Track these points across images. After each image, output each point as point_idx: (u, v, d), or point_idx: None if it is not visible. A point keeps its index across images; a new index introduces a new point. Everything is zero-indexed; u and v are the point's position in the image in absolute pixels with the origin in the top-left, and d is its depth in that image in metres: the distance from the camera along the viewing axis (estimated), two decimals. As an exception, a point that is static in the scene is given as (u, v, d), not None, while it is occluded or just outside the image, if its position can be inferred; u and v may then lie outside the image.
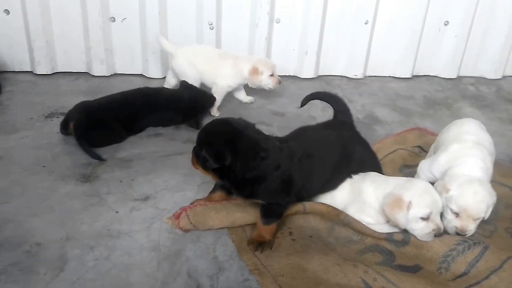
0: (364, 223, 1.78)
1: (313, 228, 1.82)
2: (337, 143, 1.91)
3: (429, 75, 3.70)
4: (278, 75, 2.89)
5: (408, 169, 2.26)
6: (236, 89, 2.97)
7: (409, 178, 1.85)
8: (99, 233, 1.73)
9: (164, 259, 1.62)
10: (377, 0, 3.35)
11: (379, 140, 2.53)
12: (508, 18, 3.53)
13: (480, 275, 1.58)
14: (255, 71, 2.79)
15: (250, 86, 2.88)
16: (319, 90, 2.40)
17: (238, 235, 1.76)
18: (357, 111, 2.97)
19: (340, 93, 3.05)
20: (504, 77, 3.76)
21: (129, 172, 2.15)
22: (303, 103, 2.21)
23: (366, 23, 3.40)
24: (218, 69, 2.83)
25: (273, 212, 1.71)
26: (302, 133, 1.94)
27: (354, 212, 1.82)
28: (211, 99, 2.78)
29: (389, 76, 3.64)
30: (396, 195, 1.68)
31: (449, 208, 1.73)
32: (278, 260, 1.62)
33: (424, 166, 1.97)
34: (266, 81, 2.82)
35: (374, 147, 2.43)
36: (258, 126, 2.60)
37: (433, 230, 1.68)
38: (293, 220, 1.85)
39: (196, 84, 2.83)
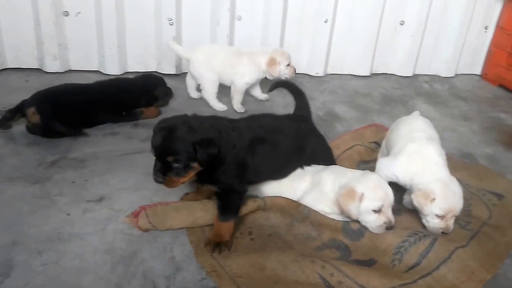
0: (321, 213, 1.83)
1: (273, 225, 1.81)
2: (291, 133, 1.95)
3: (386, 73, 3.80)
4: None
5: (365, 165, 2.30)
6: (252, 86, 2.96)
7: (365, 171, 1.89)
8: (48, 236, 1.65)
9: (118, 261, 1.56)
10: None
11: (338, 137, 2.57)
12: (459, 19, 3.67)
13: (431, 266, 1.63)
14: (273, 61, 2.81)
15: (268, 77, 2.87)
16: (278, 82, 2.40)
17: (196, 236, 1.72)
18: (317, 108, 3.00)
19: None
20: (456, 75, 3.91)
21: (82, 173, 2.06)
22: (271, 89, 2.26)
23: (326, 22, 3.44)
24: (235, 67, 2.83)
25: (230, 205, 1.70)
26: (256, 119, 1.95)
27: (311, 200, 1.86)
28: (164, 89, 2.81)
29: (349, 74, 3.70)
30: (350, 187, 1.73)
31: (433, 214, 1.76)
32: (236, 260, 1.60)
33: (383, 166, 1.96)
34: (283, 71, 2.85)
35: (333, 144, 2.46)
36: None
37: (384, 223, 1.72)
38: (253, 219, 1.83)
39: (215, 85, 2.84)
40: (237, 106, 2.87)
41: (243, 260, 1.60)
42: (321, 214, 1.83)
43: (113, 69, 3.23)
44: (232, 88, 2.85)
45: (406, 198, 1.95)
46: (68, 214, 1.78)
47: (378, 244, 1.72)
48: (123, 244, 1.64)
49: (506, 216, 1.95)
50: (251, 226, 1.81)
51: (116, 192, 1.94)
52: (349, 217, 1.78)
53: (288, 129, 1.94)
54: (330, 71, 3.64)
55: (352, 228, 1.78)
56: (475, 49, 3.89)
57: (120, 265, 1.55)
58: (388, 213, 1.74)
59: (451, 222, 1.77)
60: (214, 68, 2.80)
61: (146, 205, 1.81)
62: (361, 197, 1.71)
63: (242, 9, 3.31)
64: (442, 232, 1.77)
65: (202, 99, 2.94)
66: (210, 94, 2.87)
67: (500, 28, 3.75)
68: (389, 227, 1.73)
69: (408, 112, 3.01)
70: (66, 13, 3.05)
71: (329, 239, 1.75)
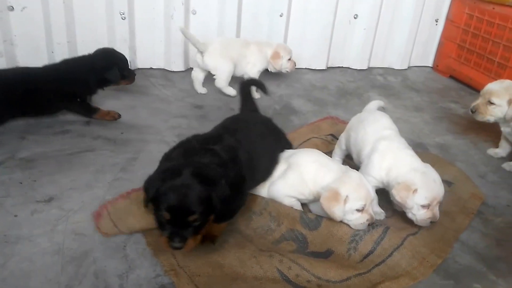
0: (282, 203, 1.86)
1: (232, 222, 1.82)
2: (265, 129, 2.01)
3: (342, 67, 3.88)
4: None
5: (322, 157, 2.36)
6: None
7: (346, 168, 1.87)
8: (-6, 239, 1.59)
9: (68, 262, 1.53)
10: (290, -7, 3.44)
11: (295, 130, 2.61)
12: (411, 12, 3.79)
13: (384, 253, 1.69)
14: (277, 55, 3.06)
15: (269, 70, 3.10)
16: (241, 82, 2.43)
17: (153, 237, 1.69)
18: (274, 102, 3.03)
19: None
20: (409, 67, 4.05)
21: (31, 173, 2.00)
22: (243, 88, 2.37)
23: (281, 16, 3.47)
24: (247, 57, 3.00)
25: (229, 212, 1.66)
26: (230, 131, 1.84)
27: (286, 185, 1.86)
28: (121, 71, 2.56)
29: (306, 68, 3.76)
30: (334, 189, 1.73)
31: (418, 205, 1.75)
32: (195, 260, 1.59)
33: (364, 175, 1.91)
34: (285, 65, 3.11)
35: (290, 136, 2.48)
36: (177, 120, 2.62)
37: (367, 220, 1.75)
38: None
39: (230, 74, 2.96)
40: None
41: (202, 260, 1.60)
42: (279, 204, 1.85)
43: (62, 65, 3.12)
44: (246, 78, 2.98)
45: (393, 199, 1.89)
46: (16, 216, 1.72)
47: (335, 232, 1.76)
48: (74, 245, 1.61)
49: (455, 202, 2.04)
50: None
51: (66, 191, 1.89)
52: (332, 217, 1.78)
53: (261, 127, 2.00)
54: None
55: (310, 217, 1.81)
56: (426, 41, 4.03)
57: (71, 266, 1.51)
58: (369, 210, 1.76)
59: (436, 210, 1.78)
60: (232, 58, 2.94)
61: (106, 202, 1.77)
62: (345, 199, 1.72)
63: (196, 3, 3.29)
64: (431, 222, 1.77)
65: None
66: (224, 82, 2.97)
67: (450, 21, 3.91)
68: (371, 223, 1.76)
69: (363, 104, 3.11)
70: (11, 8, 2.92)
71: (287, 229, 1.77)
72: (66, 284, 1.44)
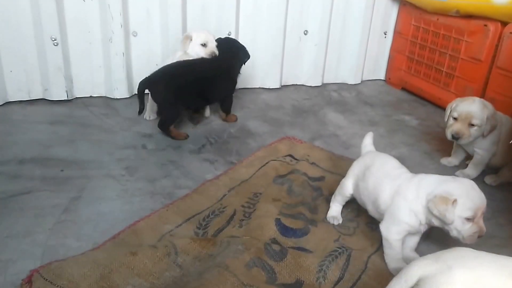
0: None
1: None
2: None
3: (296, 84, 3.97)
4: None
5: (281, 179, 2.38)
6: None
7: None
8: None
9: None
10: (236, 12, 3.50)
11: (252, 153, 2.63)
12: (360, 26, 3.96)
13: (353, 278, 1.73)
14: (186, 38, 3.00)
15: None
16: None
17: None
18: (230, 125, 3.04)
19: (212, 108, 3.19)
20: (362, 81, 4.21)
21: (-41, 222, 1.87)
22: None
23: (229, 35, 3.52)
24: None
25: None
26: None
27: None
28: None
29: (259, 88, 3.82)
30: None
31: (461, 218, 1.65)
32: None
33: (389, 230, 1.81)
34: (197, 50, 2.98)
35: (248, 161, 2.54)
36: (124, 152, 2.56)
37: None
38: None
39: None
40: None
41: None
42: (244, 238, 1.85)
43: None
44: None
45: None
46: None
47: (301, 262, 1.77)
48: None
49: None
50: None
51: (2, 240, 1.78)
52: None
53: None
54: (240, 85, 3.70)
55: (274, 249, 1.81)
56: (377, 55, 4.22)
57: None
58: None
59: (482, 222, 1.68)
60: None
61: (38, 267, 1.63)
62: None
63: (137, 24, 3.27)
64: (478, 237, 1.68)
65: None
66: None
67: (398, 33, 4.11)
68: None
69: (319, 121, 3.21)
70: None
71: (255, 256, 1.76)
72: None
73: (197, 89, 2.81)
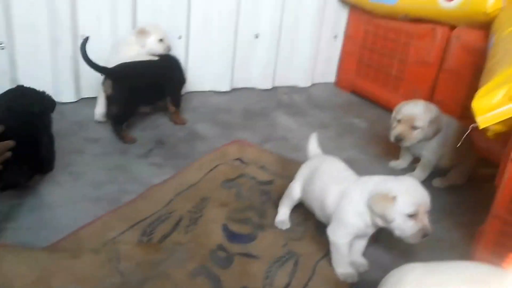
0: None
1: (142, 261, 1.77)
2: None
3: (247, 87, 4.02)
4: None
5: (229, 183, 2.41)
6: None
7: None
8: None
9: None
10: (188, 16, 3.50)
11: (201, 157, 2.65)
12: (311, 30, 4.06)
13: (300, 284, 1.76)
14: (142, 31, 3.03)
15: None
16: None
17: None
18: (178, 128, 3.05)
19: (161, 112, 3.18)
20: (313, 84, 4.31)
21: None
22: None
23: (180, 38, 3.52)
24: None
25: None
26: None
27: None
28: None
29: (210, 91, 3.83)
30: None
31: (402, 216, 1.65)
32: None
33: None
34: (155, 45, 3.06)
35: (196, 165, 2.55)
36: (70, 157, 2.51)
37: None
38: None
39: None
40: None
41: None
42: (190, 245, 1.86)
43: None
44: None
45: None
46: None
47: (248, 269, 1.79)
48: None
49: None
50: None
51: None
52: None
53: None
54: (190, 88, 3.72)
55: (220, 255, 1.83)
56: (327, 58, 4.33)
57: None
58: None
59: (427, 220, 1.66)
60: None
61: None
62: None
63: (86, 27, 3.21)
64: (424, 236, 1.66)
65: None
66: None
67: (348, 36, 4.23)
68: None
69: (270, 124, 3.26)
70: None
71: (200, 265, 1.77)
72: None
73: (154, 87, 2.88)
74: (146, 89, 2.84)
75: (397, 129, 2.46)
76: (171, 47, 3.16)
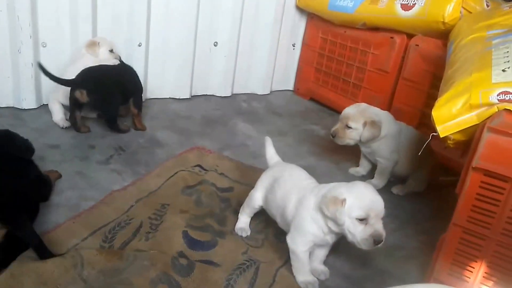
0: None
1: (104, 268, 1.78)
2: None
3: (206, 95, 4.06)
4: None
5: (189, 189, 2.44)
6: None
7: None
8: None
9: None
10: (147, 23, 3.52)
11: (160, 163, 2.67)
12: (269, 38, 4.15)
13: None
14: (92, 43, 3.15)
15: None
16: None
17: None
18: (138, 135, 3.06)
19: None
20: (272, 92, 4.40)
21: None
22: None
23: (139, 46, 3.53)
24: None
25: None
26: None
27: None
28: None
29: (169, 98, 3.85)
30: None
31: (351, 219, 1.66)
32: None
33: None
34: (106, 55, 3.17)
35: (156, 172, 2.57)
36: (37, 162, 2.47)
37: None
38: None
39: None
40: None
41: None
42: (151, 252, 1.87)
43: None
44: None
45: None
46: None
47: (209, 277, 1.81)
48: None
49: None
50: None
51: None
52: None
53: None
54: (149, 95, 3.74)
55: (182, 263, 1.85)
56: (286, 66, 4.43)
57: None
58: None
59: (379, 226, 1.65)
60: None
61: None
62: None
63: (46, 35, 3.19)
64: (376, 242, 1.65)
65: None
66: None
67: (306, 45, 4.33)
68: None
69: (229, 131, 3.31)
70: None
71: (162, 271, 1.79)
72: None
73: (119, 86, 2.98)
74: (115, 87, 2.95)
75: (334, 127, 2.62)
76: (120, 57, 3.27)
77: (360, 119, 2.52)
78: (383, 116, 2.60)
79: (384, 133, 2.55)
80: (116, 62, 3.20)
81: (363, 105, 2.61)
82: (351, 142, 2.58)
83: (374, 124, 2.51)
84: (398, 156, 2.64)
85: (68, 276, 1.70)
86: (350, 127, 2.54)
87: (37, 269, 1.67)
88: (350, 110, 2.57)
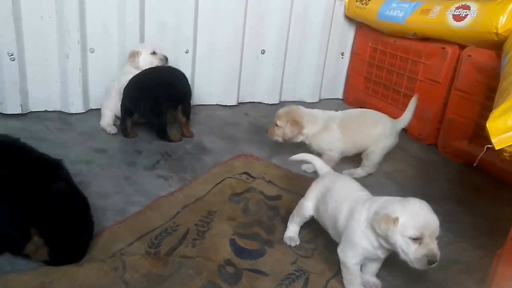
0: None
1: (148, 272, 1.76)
2: None
3: (253, 102, 4.05)
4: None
5: (237, 197, 2.40)
6: None
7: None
8: None
9: None
10: (194, 30, 3.55)
11: (208, 170, 2.65)
12: (317, 47, 4.11)
13: None
14: (132, 53, 3.15)
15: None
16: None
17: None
18: (185, 141, 3.06)
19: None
20: (320, 100, 4.34)
21: None
22: None
23: (187, 52, 3.56)
24: None
25: None
26: None
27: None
28: None
29: (216, 104, 3.86)
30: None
31: (404, 239, 1.59)
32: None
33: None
34: (149, 59, 3.16)
35: (203, 178, 2.55)
36: (77, 167, 2.51)
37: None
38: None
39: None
40: None
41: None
42: (197, 260, 1.84)
43: None
44: None
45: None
46: None
47: (257, 286, 1.76)
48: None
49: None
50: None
51: None
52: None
53: None
54: (196, 102, 3.75)
55: (229, 271, 1.80)
56: (334, 74, 4.37)
57: None
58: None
59: (434, 246, 1.57)
60: None
61: None
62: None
63: (94, 40, 3.28)
64: (430, 263, 1.57)
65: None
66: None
67: (355, 54, 4.27)
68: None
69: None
70: None
71: (208, 281, 1.75)
72: None
73: (167, 93, 2.98)
74: (163, 94, 2.95)
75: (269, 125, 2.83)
76: (167, 58, 3.26)
77: (284, 119, 2.70)
78: (316, 117, 2.72)
79: (312, 132, 2.71)
80: (161, 63, 3.20)
81: (292, 106, 2.78)
82: (279, 139, 2.75)
83: (294, 123, 2.67)
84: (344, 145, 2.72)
85: (107, 279, 1.68)
86: (277, 125, 2.72)
87: (74, 274, 1.66)
88: (279, 111, 2.76)
